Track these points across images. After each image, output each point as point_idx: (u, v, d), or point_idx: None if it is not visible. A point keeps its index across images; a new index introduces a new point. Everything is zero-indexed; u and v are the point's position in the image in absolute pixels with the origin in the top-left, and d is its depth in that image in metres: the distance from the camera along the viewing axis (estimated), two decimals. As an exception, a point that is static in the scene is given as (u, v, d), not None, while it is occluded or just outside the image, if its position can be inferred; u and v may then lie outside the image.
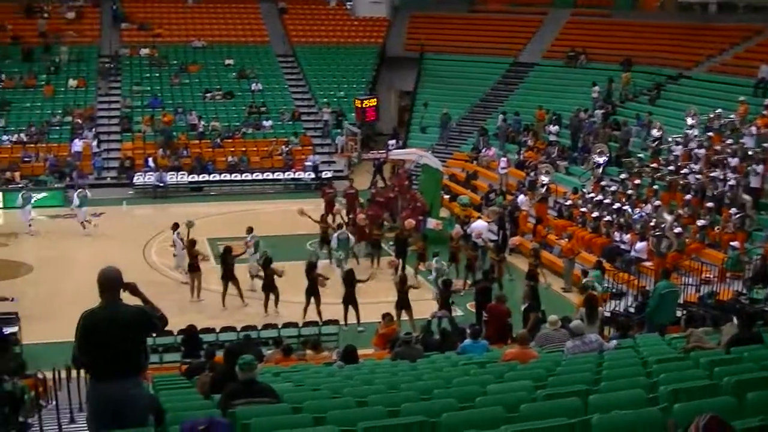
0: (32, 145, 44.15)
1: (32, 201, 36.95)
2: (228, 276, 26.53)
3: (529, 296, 23.59)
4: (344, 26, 57.02)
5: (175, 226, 29.08)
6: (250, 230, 28.94)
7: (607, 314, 22.69)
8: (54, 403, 15.90)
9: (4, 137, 44.59)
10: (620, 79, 43.40)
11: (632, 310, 23.45)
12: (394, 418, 9.21)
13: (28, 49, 50.23)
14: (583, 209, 31.90)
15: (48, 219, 37.66)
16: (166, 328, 21.08)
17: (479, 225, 30.68)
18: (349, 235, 30.14)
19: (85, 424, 10.54)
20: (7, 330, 21.63)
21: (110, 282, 8.62)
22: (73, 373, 16.61)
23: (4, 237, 34.88)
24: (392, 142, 46.93)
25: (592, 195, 32.85)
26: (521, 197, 34.38)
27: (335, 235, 29.92)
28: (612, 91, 43.11)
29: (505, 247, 30.03)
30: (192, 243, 27.31)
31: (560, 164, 38.30)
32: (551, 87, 47.14)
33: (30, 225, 35.49)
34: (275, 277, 25.61)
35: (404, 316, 24.15)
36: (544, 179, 34.64)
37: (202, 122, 47.06)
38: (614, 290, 25.64)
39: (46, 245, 33.48)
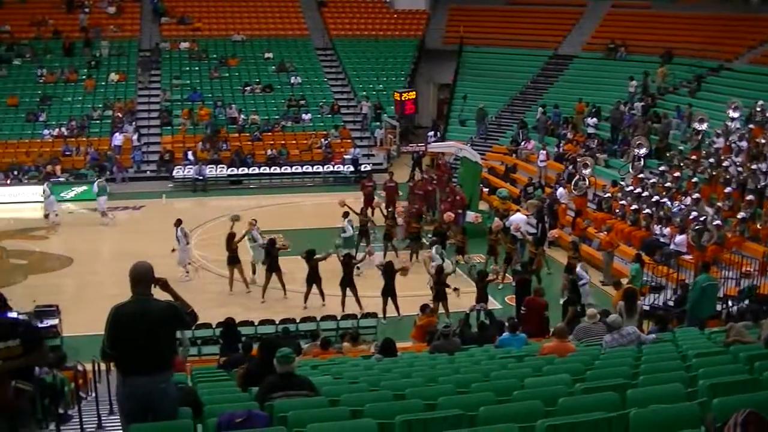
0: (73, 139, 44.58)
1: (52, 193, 37.74)
2: (271, 268, 26.61)
3: (568, 289, 23.54)
4: (383, 19, 57.02)
5: (178, 222, 28.84)
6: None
7: (646, 308, 22.55)
8: (93, 394, 16.01)
9: (46, 131, 44.99)
10: (655, 73, 42.99)
11: (671, 303, 23.30)
12: (432, 412, 9.22)
13: (69, 43, 50.69)
14: (623, 202, 31.71)
15: (88, 212, 37.96)
16: (205, 321, 21.29)
17: (518, 218, 30.57)
18: (351, 227, 30.12)
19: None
20: (48, 322, 21.91)
21: (141, 276, 8.74)
22: (112, 365, 16.75)
23: (45, 230, 35.19)
24: (431, 133, 46.98)
25: (632, 188, 32.66)
26: (560, 190, 34.28)
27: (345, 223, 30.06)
28: (648, 85, 42.73)
29: (544, 240, 29.93)
30: (231, 236, 27.40)
31: (600, 157, 38.06)
32: (591, 79, 46.92)
33: (51, 215, 36.48)
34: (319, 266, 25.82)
35: (442, 309, 24.17)
36: (584, 172, 34.45)
37: (242, 116, 47.23)
38: (653, 284, 25.45)
39: (85, 238, 33.71)
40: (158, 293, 8.90)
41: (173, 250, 28.69)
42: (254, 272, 28.12)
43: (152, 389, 8.53)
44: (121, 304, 8.67)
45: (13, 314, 22.27)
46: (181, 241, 28.50)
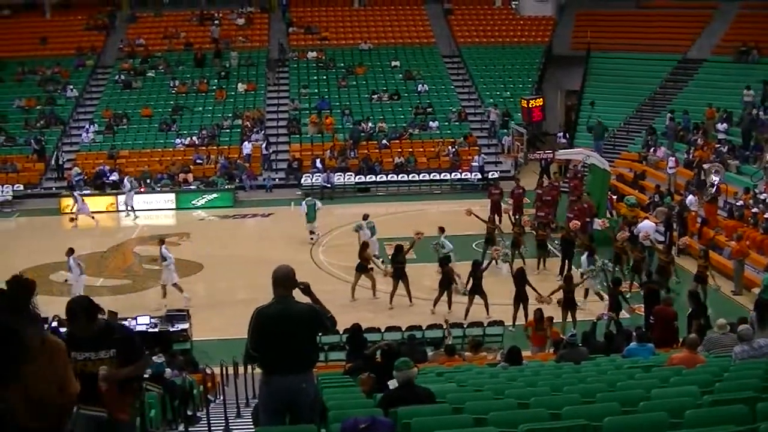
0: (203, 148, 45.57)
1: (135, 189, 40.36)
2: (398, 275, 26.70)
3: (692, 302, 23.02)
4: (510, 26, 56.89)
5: (70, 252, 27.26)
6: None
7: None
8: (221, 398, 16.31)
9: (177, 140, 46.16)
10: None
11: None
12: (556, 421, 9.15)
13: (200, 55, 51.86)
14: (755, 209, 31.03)
15: (218, 219, 38.70)
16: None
17: (646, 225, 30.12)
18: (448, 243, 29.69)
19: (251, 419, 10.78)
20: (179, 326, 22.45)
21: (284, 279, 8.97)
22: (240, 369, 17.04)
23: (177, 236, 35.92)
24: (561, 134, 46.86)
25: (765, 195, 31.91)
26: (690, 197, 33.65)
27: None
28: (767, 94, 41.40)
29: (671, 248, 29.37)
30: (365, 245, 27.77)
31: (731, 163, 37.21)
32: (721, 84, 45.82)
33: (131, 211, 39.06)
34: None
35: (569, 317, 23.98)
36: (714, 179, 33.79)
37: (369, 124, 47.53)
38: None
39: (215, 245, 34.31)
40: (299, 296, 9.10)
41: (66, 281, 27.88)
42: (164, 296, 27.39)
43: (294, 388, 8.80)
44: (263, 306, 8.96)
45: (141, 322, 22.82)
46: (74, 271, 27.10)
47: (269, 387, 8.94)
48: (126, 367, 7.98)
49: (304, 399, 8.84)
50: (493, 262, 28.23)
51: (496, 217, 33.71)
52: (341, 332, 21.29)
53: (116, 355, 7.92)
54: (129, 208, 39.66)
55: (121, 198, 41.08)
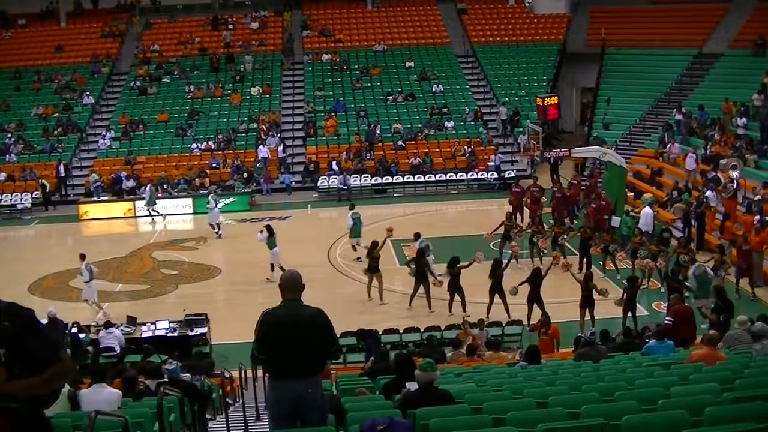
0: (220, 153, 45.66)
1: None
2: (420, 278, 26.45)
3: (713, 295, 22.89)
4: (524, 24, 56.78)
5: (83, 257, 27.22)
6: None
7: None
8: (240, 401, 16.32)
9: (194, 145, 46.25)
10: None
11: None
12: (574, 420, 9.11)
13: (215, 59, 52.04)
14: (774, 204, 30.87)
15: (236, 223, 38.69)
16: (349, 329, 21.47)
17: (645, 212, 30.21)
18: None
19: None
20: (198, 330, 22.56)
21: (290, 283, 8.82)
22: (259, 372, 17.07)
23: (194, 241, 35.99)
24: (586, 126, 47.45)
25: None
26: (709, 193, 33.46)
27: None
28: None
29: (689, 242, 29.15)
30: (374, 244, 27.50)
31: (749, 158, 37.00)
32: (739, 78, 45.49)
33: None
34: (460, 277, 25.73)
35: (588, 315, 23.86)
36: (733, 174, 33.60)
37: (378, 129, 47.46)
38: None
39: (234, 248, 34.36)
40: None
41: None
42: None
43: (301, 393, 8.64)
44: (270, 309, 8.82)
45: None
46: (84, 274, 26.77)
47: (275, 392, 8.84)
48: (23, 378, 4.76)
49: (310, 404, 8.70)
50: (513, 259, 28.10)
51: (518, 216, 33.87)
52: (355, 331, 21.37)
53: (7, 356, 4.73)
54: None
55: (139, 203, 41.21)
